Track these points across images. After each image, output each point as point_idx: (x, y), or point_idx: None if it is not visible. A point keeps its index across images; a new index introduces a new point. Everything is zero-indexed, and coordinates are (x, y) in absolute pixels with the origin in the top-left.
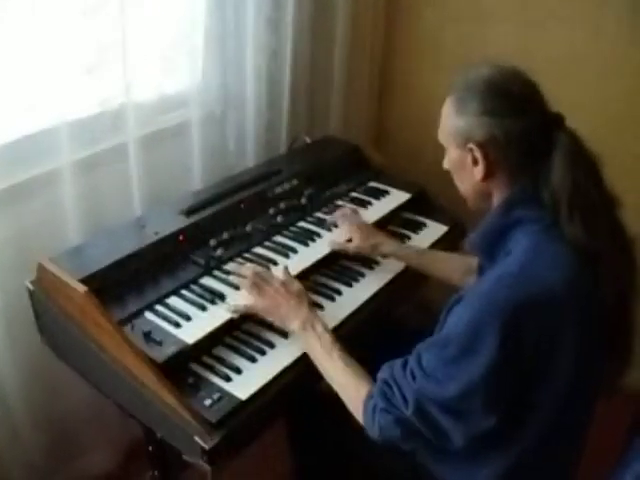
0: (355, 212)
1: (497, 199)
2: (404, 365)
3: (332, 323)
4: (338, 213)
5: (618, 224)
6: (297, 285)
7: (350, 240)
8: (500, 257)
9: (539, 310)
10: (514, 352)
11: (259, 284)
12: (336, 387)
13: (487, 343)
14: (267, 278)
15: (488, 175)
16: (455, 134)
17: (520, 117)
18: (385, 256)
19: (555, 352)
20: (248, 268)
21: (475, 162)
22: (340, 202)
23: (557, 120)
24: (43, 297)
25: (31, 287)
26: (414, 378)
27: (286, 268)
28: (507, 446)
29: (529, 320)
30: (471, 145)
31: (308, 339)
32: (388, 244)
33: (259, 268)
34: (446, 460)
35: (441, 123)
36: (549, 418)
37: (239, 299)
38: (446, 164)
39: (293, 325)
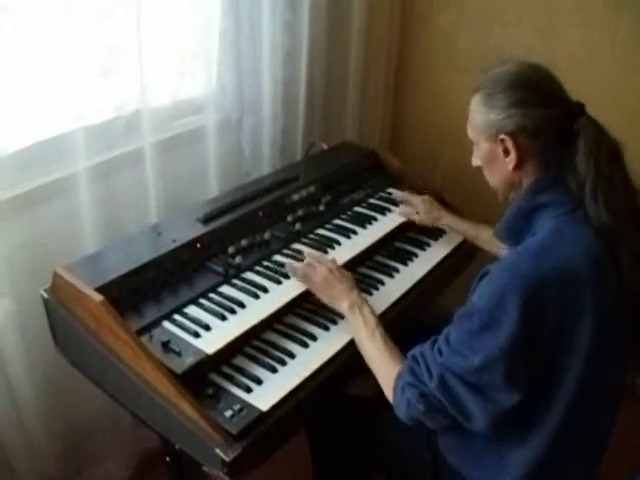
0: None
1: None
2: (433, 343)
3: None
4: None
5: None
6: (347, 272)
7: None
8: (526, 239)
9: (559, 283)
10: (535, 324)
11: (314, 264)
12: (373, 367)
13: (509, 314)
14: (322, 259)
15: (519, 164)
16: (485, 128)
17: (546, 106)
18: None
19: (574, 327)
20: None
21: (506, 152)
22: (358, 209)
23: (579, 108)
24: (58, 306)
25: (46, 295)
26: (440, 353)
27: (335, 259)
28: (529, 434)
29: (550, 292)
30: (502, 136)
31: (354, 319)
32: (446, 219)
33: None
34: (469, 450)
35: (470, 120)
36: (570, 402)
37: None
38: (475, 161)
39: (342, 305)
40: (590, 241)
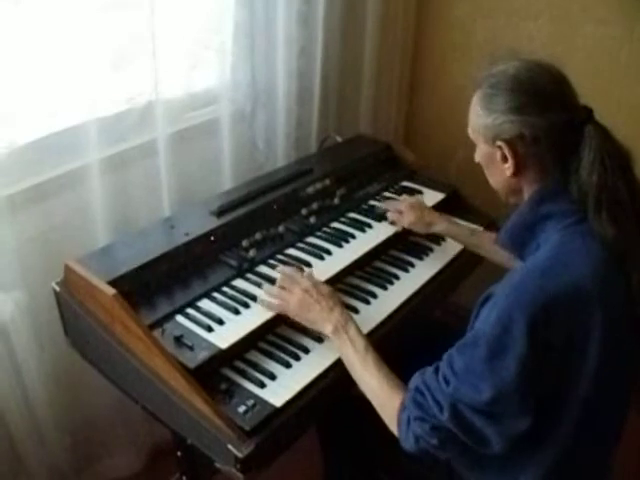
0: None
1: (527, 194)
2: (436, 371)
3: (367, 327)
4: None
5: None
6: (327, 287)
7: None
8: (529, 252)
9: (567, 305)
10: (543, 347)
11: (288, 286)
12: (368, 394)
13: (517, 339)
14: (296, 279)
15: (517, 172)
16: (483, 131)
17: (547, 113)
18: (439, 234)
19: (583, 347)
20: (278, 271)
21: (504, 159)
22: (373, 202)
23: (585, 114)
24: (70, 299)
25: (58, 289)
26: (447, 383)
27: (311, 273)
28: (543, 448)
29: (557, 314)
30: (499, 143)
31: (341, 343)
32: (441, 224)
33: (287, 269)
34: (483, 468)
35: (470, 119)
36: (581, 416)
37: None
38: (477, 158)
39: (325, 328)
40: (597, 256)
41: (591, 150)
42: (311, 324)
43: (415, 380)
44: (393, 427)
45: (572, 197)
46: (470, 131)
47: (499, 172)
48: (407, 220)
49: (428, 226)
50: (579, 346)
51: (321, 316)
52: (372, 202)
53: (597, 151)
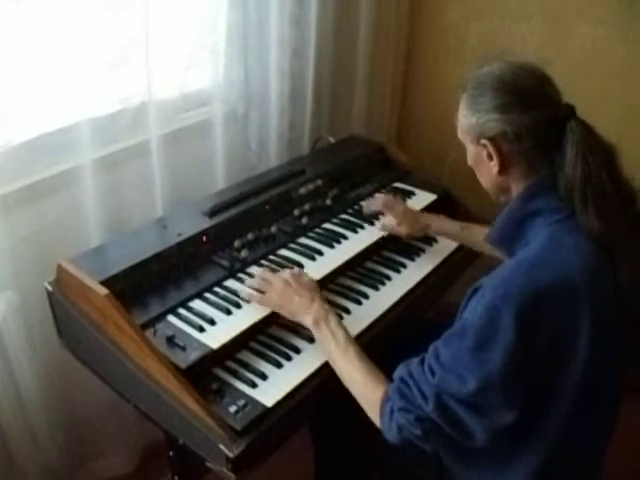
0: (395, 197)
1: (515, 192)
2: (422, 362)
3: (359, 327)
4: (379, 202)
5: (635, 214)
6: (308, 278)
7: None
8: (518, 248)
9: (555, 297)
10: (531, 340)
11: (268, 279)
12: (350, 385)
13: (504, 331)
14: (277, 273)
15: (503, 169)
16: (469, 131)
17: (528, 111)
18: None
19: (572, 340)
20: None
21: (490, 157)
22: (365, 203)
23: (568, 111)
24: (62, 299)
25: (50, 288)
26: (433, 374)
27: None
28: (531, 442)
29: (545, 306)
30: (484, 141)
31: (322, 335)
32: (435, 225)
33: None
34: (471, 462)
35: (458, 121)
36: (571, 411)
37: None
38: (468, 160)
39: (306, 320)
40: (586, 251)
41: (573, 145)
42: (292, 316)
43: (400, 371)
44: (375, 418)
45: (560, 194)
46: (459, 133)
47: (487, 172)
48: (405, 232)
49: (422, 229)
50: (568, 339)
51: (301, 307)
52: (364, 203)
53: (579, 146)
